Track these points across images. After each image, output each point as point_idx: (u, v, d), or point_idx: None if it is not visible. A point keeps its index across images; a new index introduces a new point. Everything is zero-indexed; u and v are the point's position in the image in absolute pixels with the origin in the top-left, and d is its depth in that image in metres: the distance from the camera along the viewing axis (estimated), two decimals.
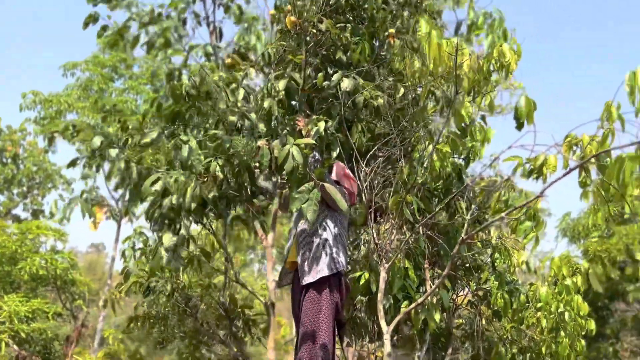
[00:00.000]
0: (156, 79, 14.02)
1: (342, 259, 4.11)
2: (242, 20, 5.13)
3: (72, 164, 4.14)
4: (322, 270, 3.99)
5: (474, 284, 5.35)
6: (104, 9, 4.71)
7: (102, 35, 4.56)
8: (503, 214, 3.64)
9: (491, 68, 3.97)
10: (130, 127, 4.22)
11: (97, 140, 4.08)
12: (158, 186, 3.94)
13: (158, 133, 4.12)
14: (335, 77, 4.26)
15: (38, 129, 14.85)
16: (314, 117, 4.20)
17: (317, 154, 4.37)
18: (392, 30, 4.53)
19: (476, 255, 5.32)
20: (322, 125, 4.11)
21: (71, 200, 4.16)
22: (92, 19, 4.65)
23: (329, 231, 4.15)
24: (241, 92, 4.22)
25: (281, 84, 4.26)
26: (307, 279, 4.00)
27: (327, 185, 3.74)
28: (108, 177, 4.12)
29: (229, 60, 4.82)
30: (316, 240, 4.10)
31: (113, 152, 4.07)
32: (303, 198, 3.67)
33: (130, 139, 4.15)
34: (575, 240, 16.11)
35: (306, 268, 4.03)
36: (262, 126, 4.31)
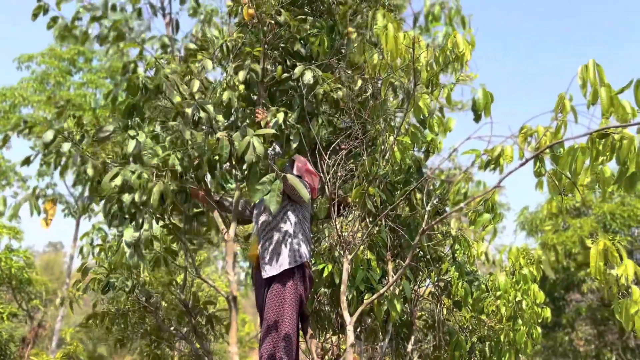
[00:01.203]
0: (115, 72, 13.68)
1: (304, 250, 4.11)
2: (198, 13, 5.04)
3: (26, 161, 3.98)
4: (284, 262, 3.99)
5: (435, 275, 5.44)
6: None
7: (52, 28, 4.40)
8: (462, 204, 3.70)
9: (447, 60, 4.02)
10: (85, 122, 4.10)
11: (49, 135, 3.94)
12: (118, 181, 3.85)
13: (114, 128, 4.01)
14: (297, 70, 4.24)
15: None
16: (273, 109, 4.18)
17: (277, 147, 4.35)
18: (350, 29, 4.55)
19: (437, 246, 5.40)
20: (281, 116, 4.09)
21: (21, 198, 4.00)
22: (42, 9, 4.48)
23: (290, 223, 4.14)
24: (196, 84, 4.15)
25: (240, 76, 4.22)
26: (270, 272, 3.99)
27: (289, 176, 3.72)
28: (62, 173, 3.99)
29: (187, 51, 4.75)
30: (277, 234, 4.09)
31: (66, 145, 3.94)
32: (265, 189, 3.65)
33: (85, 134, 4.03)
34: (533, 234, 16.61)
35: (267, 261, 4.02)
36: (221, 118, 4.26)
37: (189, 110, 4.00)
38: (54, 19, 4.69)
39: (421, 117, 4.23)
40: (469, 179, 4.72)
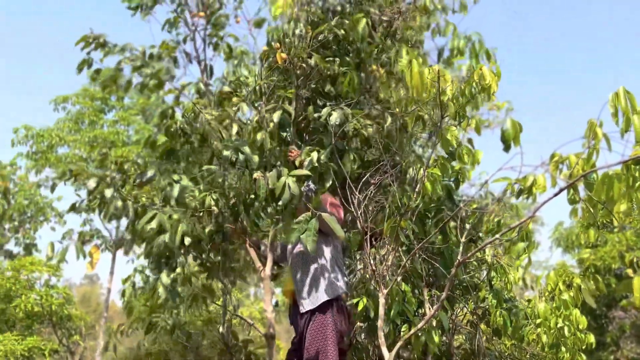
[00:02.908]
0: (148, 112, 14.11)
1: (341, 282, 4.15)
2: (231, 57, 5.23)
3: (72, 208, 4.21)
4: (321, 295, 4.03)
5: (472, 303, 5.38)
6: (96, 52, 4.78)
7: (95, 79, 4.64)
8: (497, 235, 3.70)
9: (473, 91, 4.06)
10: (126, 167, 4.29)
11: (92, 182, 4.14)
12: (154, 224, 3.99)
13: (154, 171, 4.18)
14: (324, 112, 4.36)
15: (31, 164, 14.84)
16: (307, 148, 4.29)
17: (311, 184, 4.44)
18: (374, 67, 4.65)
19: (472, 274, 5.36)
20: (315, 155, 4.20)
21: (66, 243, 4.19)
22: (87, 63, 4.72)
23: (325, 256, 4.20)
24: (235, 127, 4.31)
25: (276, 116, 4.35)
26: (307, 306, 4.03)
27: (324, 215, 3.80)
28: (105, 217, 4.16)
29: (221, 94, 4.92)
30: (312, 267, 4.14)
31: (109, 192, 4.12)
32: (301, 228, 3.73)
33: (127, 179, 4.22)
34: (570, 250, 16.20)
35: (305, 295, 4.06)
36: (255, 158, 4.38)
37: (227, 153, 4.14)
38: (97, 71, 4.91)
39: (450, 149, 4.27)
40: (503, 208, 4.72)
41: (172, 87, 4.68)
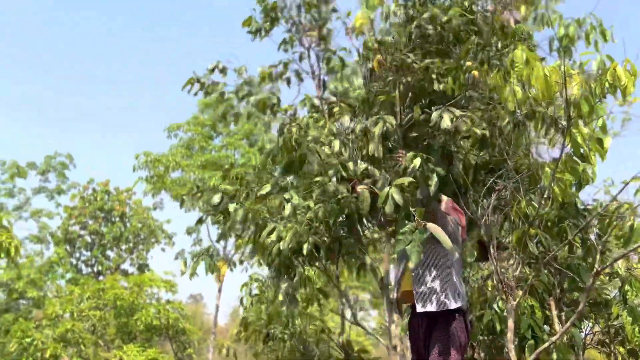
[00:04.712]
0: (253, 138, 14.80)
1: (463, 291, 3.98)
2: (343, 68, 5.34)
3: (200, 221, 4.49)
4: (446, 301, 3.84)
5: (603, 321, 4.99)
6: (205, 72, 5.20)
7: (206, 98, 5.00)
8: (635, 246, 3.41)
9: (605, 90, 3.81)
10: (248, 180, 4.51)
11: (216, 198, 4.40)
12: (274, 236, 4.14)
13: (272, 185, 4.36)
14: (434, 116, 4.23)
15: (149, 187, 16.01)
16: (410, 154, 4.18)
17: (425, 190, 4.34)
18: (470, 64, 4.44)
19: (603, 288, 4.98)
20: (417, 161, 4.07)
21: (197, 257, 4.46)
22: (197, 81, 5.06)
23: (446, 261, 4.05)
24: (336, 144, 4.36)
25: (377, 129, 4.32)
26: (429, 307, 3.85)
27: (429, 225, 3.67)
28: (230, 229, 4.37)
29: (329, 106, 5.03)
30: (434, 270, 3.97)
31: (232, 206, 4.35)
32: (406, 239, 3.64)
33: (249, 193, 4.43)
34: None
35: (426, 296, 3.90)
36: (362, 165, 4.38)
37: (331, 171, 4.23)
38: (208, 92, 5.27)
39: (580, 150, 4.01)
40: (634, 212, 4.34)
41: (286, 105, 4.89)
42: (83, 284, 14.21)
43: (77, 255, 20.83)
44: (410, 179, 4.03)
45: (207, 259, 4.50)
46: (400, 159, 4.30)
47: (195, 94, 5.39)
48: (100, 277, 20.17)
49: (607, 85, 3.73)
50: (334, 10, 5.17)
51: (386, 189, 3.98)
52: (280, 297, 4.30)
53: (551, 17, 4.86)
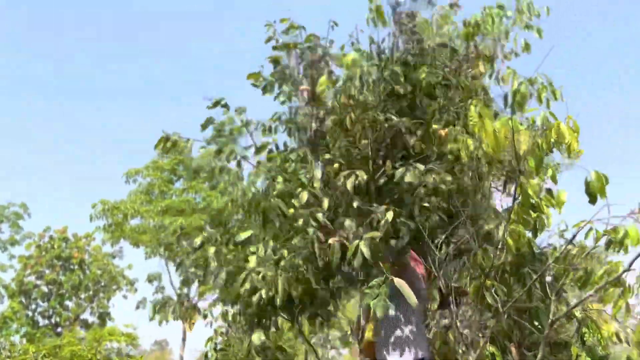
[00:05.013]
0: (214, 178, 14.66)
1: (425, 342, 4.06)
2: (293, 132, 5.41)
3: (179, 265, 4.47)
4: (409, 351, 3.96)
5: None
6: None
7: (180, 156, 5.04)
8: (591, 292, 3.56)
9: (551, 146, 4.02)
10: (228, 224, 4.54)
11: (198, 240, 4.41)
12: (247, 285, 4.14)
13: (250, 234, 4.39)
14: (397, 173, 4.40)
15: (107, 236, 15.56)
16: (382, 207, 4.31)
17: (392, 243, 4.44)
18: (435, 126, 4.67)
19: (562, 330, 5.11)
20: (390, 215, 4.22)
21: (165, 304, 4.41)
22: (167, 140, 5.07)
23: (409, 315, 4.14)
24: (304, 196, 4.41)
25: (349, 183, 4.42)
26: (394, 357, 3.96)
27: (396, 280, 3.81)
28: (205, 276, 4.35)
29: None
30: (398, 323, 4.08)
31: (212, 249, 4.35)
32: (373, 293, 3.74)
33: (230, 238, 4.45)
34: None
35: (391, 346, 4.00)
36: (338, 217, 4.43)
37: (300, 221, 4.27)
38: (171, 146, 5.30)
39: (531, 201, 4.18)
40: (589, 256, 4.52)
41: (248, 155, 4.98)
42: (39, 339, 13.58)
43: (33, 307, 19.94)
44: (379, 233, 4.14)
45: (178, 305, 4.47)
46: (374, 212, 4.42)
47: (167, 152, 5.44)
48: (59, 329, 19.30)
49: (552, 140, 3.93)
50: (331, 72, 5.36)
51: (355, 242, 4.07)
52: (254, 354, 4.26)
53: (505, 74, 5.12)
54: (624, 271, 3.55)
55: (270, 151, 5.06)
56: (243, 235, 4.39)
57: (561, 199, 4.59)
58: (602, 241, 3.86)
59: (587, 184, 3.71)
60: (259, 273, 4.09)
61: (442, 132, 4.66)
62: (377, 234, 4.15)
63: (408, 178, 4.34)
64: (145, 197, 15.28)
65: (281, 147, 5.20)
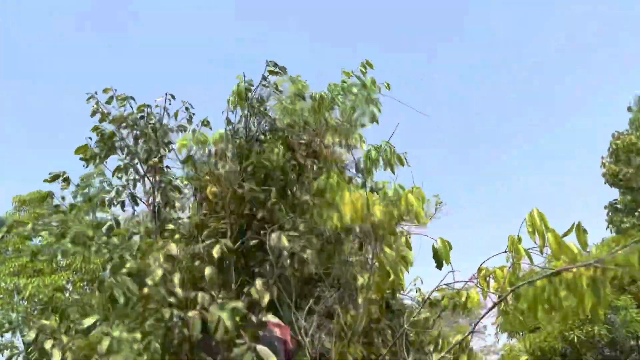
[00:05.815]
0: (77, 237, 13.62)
1: None
2: (170, 199, 5.30)
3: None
4: None
5: None
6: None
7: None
8: (444, 353, 3.84)
9: (402, 214, 4.36)
10: (69, 315, 4.19)
11: (31, 334, 4.00)
12: None
13: (94, 321, 4.08)
14: (274, 237, 4.50)
15: None
16: (246, 278, 4.36)
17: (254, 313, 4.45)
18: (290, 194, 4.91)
19: None
20: (258, 283, 4.29)
21: None
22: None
23: None
24: (159, 272, 4.28)
25: (215, 251, 4.41)
26: None
27: (259, 347, 3.86)
28: None
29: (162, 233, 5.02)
30: None
31: (48, 344, 3.97)
32: None
33: (70, 327, 4.09)
34: (516, 335, 16.49)
35: None
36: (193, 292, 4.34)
37: (157, 297, 4.14)
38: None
39: (387, 268, 4.46)
40: (439, 318, 4.90)
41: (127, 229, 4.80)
42: None
43: None
44: (240, 303, 4.13)
45: None
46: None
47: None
48: None
49: (402, 209, 4.27)
50: (169, 142, 5.30)
51: (217, 314, 4.00)
52: None
53: (354, 142, 5.50)
54: (469, 333, 3.87)
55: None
56: (87, 322, 4.09)
57: (410, 260, 4.97)
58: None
59: (435, 251, 4.04)
60: None
61: (304, 198, 4.90)
62: (240, 303, 4.18)
63: (277, 242, 4.43)
64: None
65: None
